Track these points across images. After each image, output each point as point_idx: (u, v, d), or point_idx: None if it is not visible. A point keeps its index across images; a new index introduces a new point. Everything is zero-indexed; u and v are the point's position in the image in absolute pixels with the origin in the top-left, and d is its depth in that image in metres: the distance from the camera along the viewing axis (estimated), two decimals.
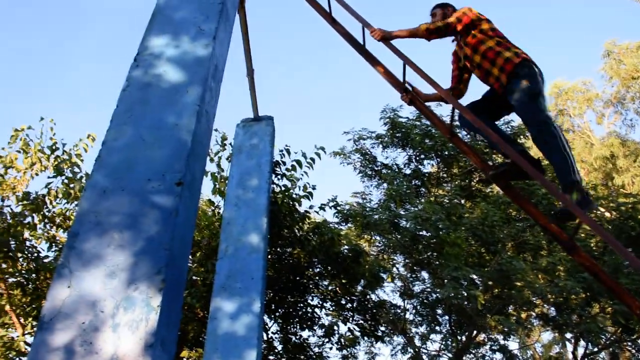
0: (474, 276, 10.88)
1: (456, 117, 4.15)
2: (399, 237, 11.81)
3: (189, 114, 3.09)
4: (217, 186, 9.31)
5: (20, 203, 8.48)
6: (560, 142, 3.55)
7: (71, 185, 8.63)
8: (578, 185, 3.44)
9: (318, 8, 4.85)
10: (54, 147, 9.07)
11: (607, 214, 11.95)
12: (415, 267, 12.83)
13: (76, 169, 8.83)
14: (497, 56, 3.89)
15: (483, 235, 11.08)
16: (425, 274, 12.96)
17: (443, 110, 13.21)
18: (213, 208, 9.76)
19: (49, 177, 8.82)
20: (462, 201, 13.06)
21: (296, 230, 9.48)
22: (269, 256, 8.92)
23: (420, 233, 11.46)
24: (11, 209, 8.47)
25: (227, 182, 7.45)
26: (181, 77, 3.31)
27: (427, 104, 4.46)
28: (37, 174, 9.10)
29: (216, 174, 9.39)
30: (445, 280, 10.49)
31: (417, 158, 13.85)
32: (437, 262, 11.44)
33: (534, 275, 11.14)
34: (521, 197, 3.78)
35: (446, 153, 13.13)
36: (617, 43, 25.11)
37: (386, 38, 4.18)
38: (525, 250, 12.00)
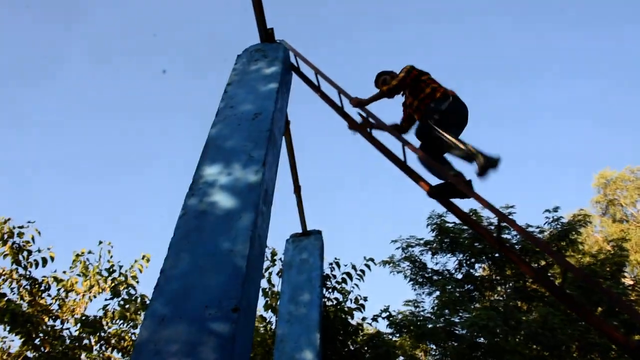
0: None
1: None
2: (455, 344, 11.37)
3: (242, 239, 3.20)
4: (269, 302, 9.34)
5: (78, 325, 8.65)
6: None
7: (127, 307, 8.81)
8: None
9: (309, 83, 5.59)
10: (111, 270, 9.37)
11: None
12: None
13: (132, 290, 9.05)
14: (427, 98, 4.83)
15: (544, 339, 10.56)
16: None
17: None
18: (265, 324, 9.70)
19: (106, 300, 9.06)
20: (518, 303, 12.59)
21: (350, 344, 9.29)
22: None
23: (478, 340, 11.02)
24: (70, 332, 8.65)
25: (278, 297, 7.48)
26: (234, 203, 3.46)
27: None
28: (95, 296, 9.34)
29: (267, 290, 9.45)
30: None
31: (468, 262, 13.57)
32: None
33: None
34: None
35: (497, 255, 12.86)
36: None
37: (361, 104, 5.05)
38: (592, 352, 11.31)
